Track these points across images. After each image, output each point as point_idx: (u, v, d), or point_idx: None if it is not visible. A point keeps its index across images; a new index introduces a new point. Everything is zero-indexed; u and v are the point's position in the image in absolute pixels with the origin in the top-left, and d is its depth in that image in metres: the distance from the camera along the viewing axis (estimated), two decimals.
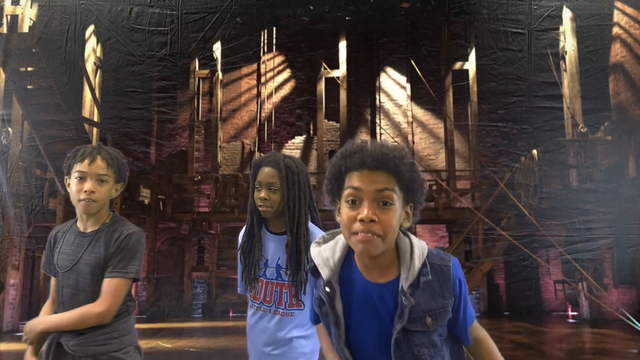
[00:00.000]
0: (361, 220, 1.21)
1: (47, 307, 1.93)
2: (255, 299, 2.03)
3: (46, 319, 1.87)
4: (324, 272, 1.30)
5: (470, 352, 1.41)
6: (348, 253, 1.32)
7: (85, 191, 1.82)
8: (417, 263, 1.27)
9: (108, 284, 1.80)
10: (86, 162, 1.84)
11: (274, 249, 2.03)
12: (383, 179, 1.23)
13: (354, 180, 1.24)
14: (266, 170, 1.98)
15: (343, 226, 1.26)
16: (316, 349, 2.02)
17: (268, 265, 2.03)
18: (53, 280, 1.92)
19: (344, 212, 1.25)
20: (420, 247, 1.30)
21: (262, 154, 14.41)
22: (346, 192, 1.24)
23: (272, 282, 2.02)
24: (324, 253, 1.33)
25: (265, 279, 2.03)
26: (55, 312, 1.88)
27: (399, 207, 1.24)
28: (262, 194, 1.97)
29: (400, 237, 1.30)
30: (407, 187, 1.25)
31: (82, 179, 1.83)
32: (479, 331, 1.40)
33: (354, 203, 1.23)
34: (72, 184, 1.85)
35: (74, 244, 1.87)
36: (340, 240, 1.34)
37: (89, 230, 1.88)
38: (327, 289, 1.29)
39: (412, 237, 1.32)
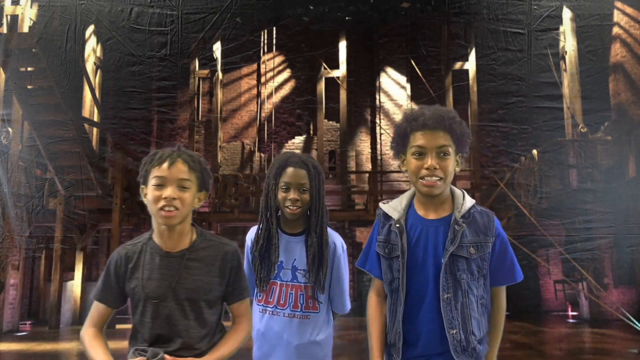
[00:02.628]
0: (427, 169, 1.60)
1: (100, 342, 1.63)
2: (268, 302, 1.98)
3: (217, 352, 1.64)
4: (394, 215, 1.69)
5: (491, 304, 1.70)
6: (411, 202, 1.71)
7: (165, 198, 1.58)
8: (468, 204, 1.66)
9: (244, 306, 1.72)
10: (165, 165, 1.61)
11: (288, 250, 2.00)
12: (442, 136, 1.61)
13: (418, 138, 1.62)
14: (295, 170, 1.97)
15: (411, 173, 1.64)
16: (330, 352, 2.01)
17: (283, 267, 1.99)
18: (101, 308, 1.66)
19: (412, 162, 1.64)
20: (470, 198, 1.69)
21: (262, 154, 14.45)
22: (412, 149, 1.63)
23: (287, 284, 1.99)
24: (392, 204, 1.73)
25: (280, 281, 1.99)
26: (137, 343, 1.63)
27: (453, 156, 1.64)
28: (293, 195, 1.95)
29: (453, 188, 1.70)
30: (459, 140, 1.64)
31: (160, 185, 1.60)
32: (503, 297, 1.72)
33: (420, 155, 1.62)
34: (149, 192, 1.61)
35: (162, 266, 1.62)
36: (404, 196, 1.74)
37: (177, 249, 1.65)
38: (397, 225, 1.66)
39: (464, 191, 1.71)
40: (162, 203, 1.59)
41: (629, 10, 10.54)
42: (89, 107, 11.07)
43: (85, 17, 9.52)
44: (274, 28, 14.54)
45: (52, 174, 9.64)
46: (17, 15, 9.40)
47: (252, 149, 14.64)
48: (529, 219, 9.43)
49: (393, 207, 1.72)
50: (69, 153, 9.54)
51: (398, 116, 14.50)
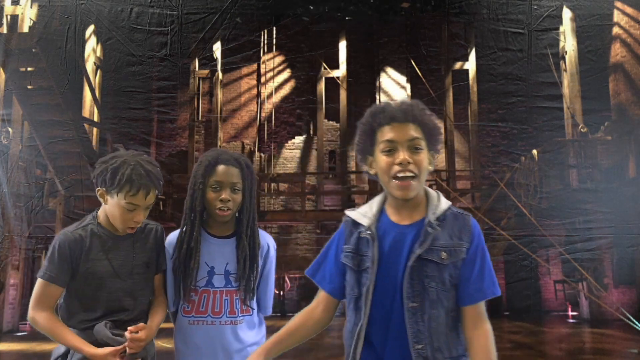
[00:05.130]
0: (400, 164, 1.42)
1: (62, 324, 1.79)
2: (200, 312, 1.85)
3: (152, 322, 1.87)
4: (364, 221, 1.51)
5: (467, 341, 1.44)
6: (382, 208, 1.54)
7: (136, 221, 1.81)
8: (444, 205, 1.49)
9: (160, 280, 1.92)
10: (140, 195, 1.77)
11: (219, 254, 1.88)
12: (412, 128, 1.45)
13: (386, 132, 1.46)
14: (227, 168, 1.84)
15: (382, 172, 1.47)
16: None
17: (215, 273, 1.87)
18: (53, 288, 1.77)
19: (382, 160, 1.46)
20: (445, 199, 1.52)
21: (262, 154, 14.45)
22: (381, 145, 1.46)
23: (221, 290, 1.86)
24: (361, 210, 1.56)
25: (213, 289, 1.86)
26: (90, 320, 1.77)
27: (426, 151, 1.47)
28: (224, 195, 1.82)
29: (427, 189, 1.53)
30: (430, 133, 1.47)
31: (132, 210, 1.78)
32: (484, 324, 1.44)
33: (390, 151, 1.45)
34: (119, 207, 1.77)
35: (115, 248, 1.82)
36: (374, 201, 1.56)
37: (124, 232, 1.84)
38: (369, 232, 1.48)
39: (439, 192, 1.56)
40: (131, 224, 1.80)
41: (629, 10, 10.54)
42: (89, 107, 11.06)
43: (85, 17, 9.52)
44: (274, 28, 14.54)
45: (52, 174, 9.63)
46: (17, 15, 9.39)
47: (252, 149, 14.64)
48: (529, 219, 9.42)
49: (362, 214, 1.53)
50: (69, 153, 9.54)
51: None
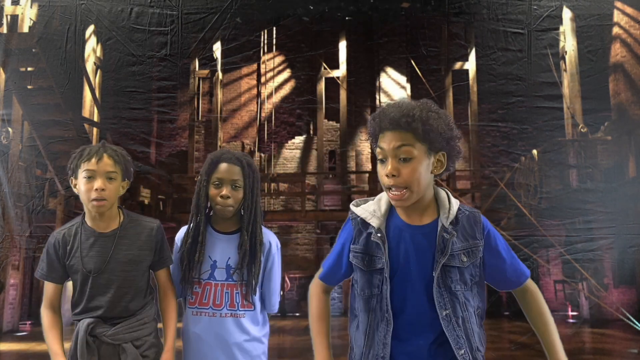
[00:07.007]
0: (387, 176, 1.40)
1: (56, 332, 1.89)
2: (203, 304, 1.94)
3: (168, 345, 1.95)
4: (374, 222, 1.47)
5: (520, 301, 1.56)
6: (391, 205, 1.50)
7: (96, 189, 1.84)
8: (455, 207, 1.47)
9: (166, 275, 1.99)
10: (94, 160, 1.86)
11: (222, 249, 1.96)
12: (399, 137, 1.39)
13: (379, 141, 1.44)
14: (228, 166, 1.93)
15: (380, 182, 1.46)
16: (266, 349, 1.99)
17: (217, 267, 1.95)
18: (50, 286, 1.91)
19: (379, 169, 1.45)
20: (454, 199, 1.51)
21: (262, 154, 14.44)
22: (376, 152, 1.46)
23: (222, 283, 1.94)
24: (370, 207, 1.52)
25: (215, 281, 1.95)
26: (78, 313, 1.90)
27: (423, 158, 1.40)
28: (225, 192, 1.90)
29: (437, 189, 1.50)
30: (426, 137, 1.39)
31: (90, 177, 1.85)
32: (530, 284, 1.56)
33: (383, 162, 1.43)
34: (81, 184, 1.87)
35: (97, 244, 1.89)
36: (383, 196, 1.53)
37: (109, 229, 1.92)
38: (379, 234, 1.45)
39: (448, 190, 1.53)
40: (94, 194, 1.84)
41: (629, 10, 10.53)
42: (89, 107, 11.06)
43: (85, 17, 9.51)
44: (274, 28, 14.53)
45: (52, 174, 9.62)
46: (17, 15, 9.39)
47: (252, 149, 14.64)
48: (529, 219, 9.42)
49: (371, 212, 1.50)
50: (69, 153, 9.41)
51: None
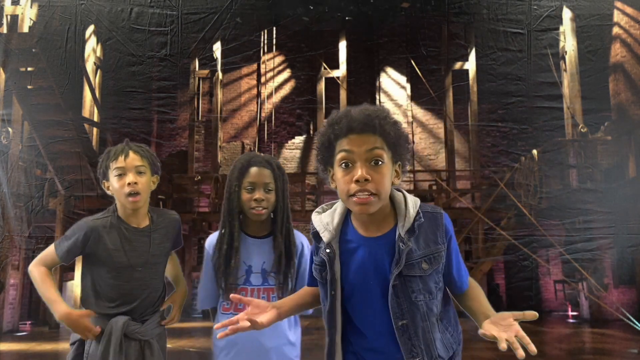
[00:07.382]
0: (357, 181, 1.29)
1: (52, 282, 1.91)
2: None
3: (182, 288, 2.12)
4: (325, 236, 1.40)
5: (460, 304, 1.47)
6: (346, 217, 1.43)
7: (129, 184, 1.87)
8: (412, 211, 1.36)
9: (176, 259, 2.13)
10: (121, 158, 1.90)
11: (256, 253, 1.95)
12: (371, 140, 1.31)
13: (344, 144, 1.32)
14: (259, 170, 1.92)
15: (340, 190, 1.36)
16: (299, 352, 1.99)
17: (252, 272, 1.94)
18: (56, 259, 1.92)
19: (339, 176, 1.34)
20: (413, 199, 1.40)
21: (262, 154, 14.44)
22: (339, 156, 1.33)
23: (258, 288, 1.94)
24: (324, 219, 1.44)
25: (251, 286, 1.94)
26: (110, 307, 1.92)
27: (389, 164, 1.33)
28: (258, 195, 1.90)
29: (393, 191, 1.39)
30: (394, 144, 1.33)
31: (121, 174, 1.89)
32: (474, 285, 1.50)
33: (347, 166, 1.32)
34: (113, 182, 1.91)
35: (134, 240, 1.94)
36: (337, 206, 1.45)
37: (143, 225, 1.97)
38: (328, 250, 1.38)
39: (404, 191, 1.42)
40: (127, 189, 1.87)
41: (629, 10, 10.54)
42: (89, 107, 11.06)
43: (85, 17, 9.52)
44: (274, 28, 14.54)
45: (52, 174, 9.63)
46: (17, 15, 9.39)
47: (252, 149, 14.64)
48: (529, 219, 9.43)
49: (324, 225, 1.42)
50: (69, 153, 9.54)
51: (398, 116, 14.49)
